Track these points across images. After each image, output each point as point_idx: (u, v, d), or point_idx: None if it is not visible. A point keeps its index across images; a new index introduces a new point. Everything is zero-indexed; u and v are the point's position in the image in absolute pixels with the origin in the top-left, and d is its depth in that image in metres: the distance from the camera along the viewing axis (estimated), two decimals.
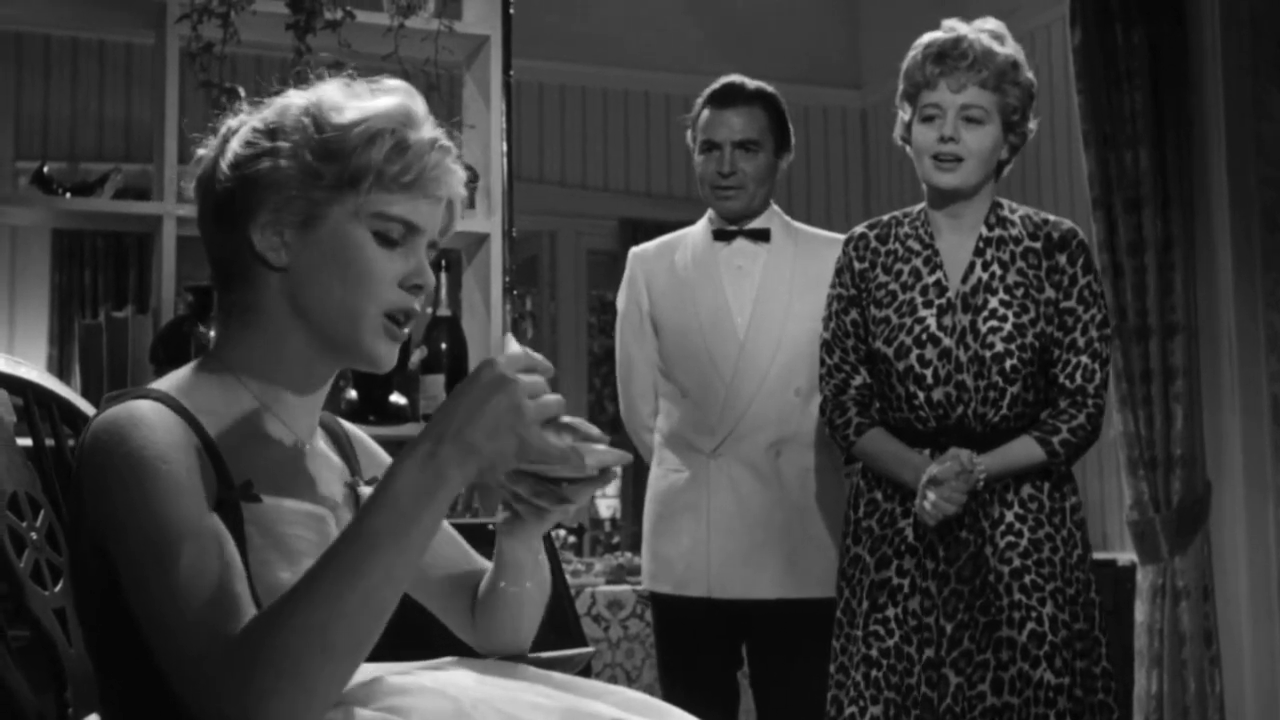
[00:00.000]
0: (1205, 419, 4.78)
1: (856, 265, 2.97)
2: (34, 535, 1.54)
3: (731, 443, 3.28)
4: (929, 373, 2.83)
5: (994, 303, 2.85)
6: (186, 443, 1.41)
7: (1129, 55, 4.78)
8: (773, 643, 3.30)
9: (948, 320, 2.85)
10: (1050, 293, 2.87)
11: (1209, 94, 4.87)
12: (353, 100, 1.52)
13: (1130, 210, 4.80)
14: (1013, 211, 2.95)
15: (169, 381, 1.52)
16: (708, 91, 3.37)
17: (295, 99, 1.54)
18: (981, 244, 2.90)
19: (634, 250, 3.52)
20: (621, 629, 4.34)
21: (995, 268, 2.88)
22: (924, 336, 2.85)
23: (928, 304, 2.88)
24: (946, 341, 2.84)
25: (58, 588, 1.51)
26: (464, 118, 3.76)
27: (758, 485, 3.27)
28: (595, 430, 1.43)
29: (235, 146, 1.53)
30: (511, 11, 3.75)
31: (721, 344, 3.30)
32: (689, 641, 3.35)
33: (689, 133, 3.40)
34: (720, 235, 3.36)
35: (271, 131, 1.52)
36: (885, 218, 3.04)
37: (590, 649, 2.66)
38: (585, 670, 2.29)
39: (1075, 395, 2.85)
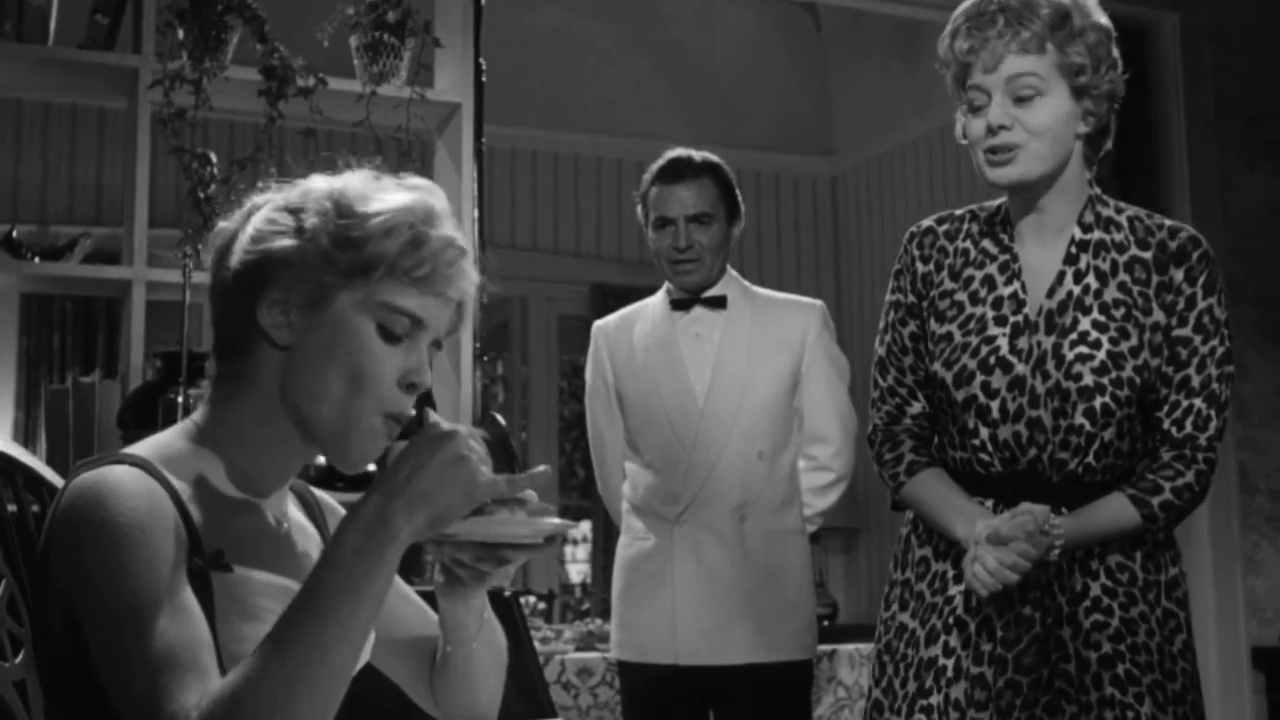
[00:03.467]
0: None
1: (920, 267, 2.40)
2: None
3: (695, 509, 3.28)
4: (995, 405, 2.26)
5: (1085, 324, 2.26)
6: (163, 510, 1.40)
7: None
8: (741, 708, 3.28)
9: (1024, 343, 2.27)
10: (1159, 316, 2.27)
11: (1175, 166, 4.93)
12: (377, 191, 1.53)
13: None
14: (1119, 211, 2.35)
15: (147, 446, 1.51)
16: (655, 168, 3.39)
17: (320, 183, 1.55)
18: (1074, 249, 2.31)
19: (596, 324, 3.54)
20: (591, 697, 4.30)
21: (1091, 279, 2.29)
22: (992, 361, 2.27)
23: (1000, 321, 2.30)
24: (1020, 368, 2.26)
25: (18, 659, 1.49)
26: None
27: (723, 551, 3.26)
28: (537, 499, 1.45)
29: (257, 222, 1.53)
30: (484, 79, 3.77)
31: (682, 412, 3.31)
32: (657, 709, 3.33)
33: (639, 209, 3.42)
34: (678, 304, 3.38)
35: (294, 211, 1.52)
36: (958, 211, 2.46)
37: (559, 719, 2.64)
38: None
39: (1184, 447, 2.26)
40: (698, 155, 3.38)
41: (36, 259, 3.53)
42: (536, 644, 3.80)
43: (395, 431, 1.54)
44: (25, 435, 5.79)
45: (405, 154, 3.44)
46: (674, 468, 3.30)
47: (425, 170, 3.83)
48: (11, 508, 1.65)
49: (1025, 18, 2.23)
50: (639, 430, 3.38)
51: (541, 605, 5.36)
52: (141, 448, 1.51)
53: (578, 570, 7.54)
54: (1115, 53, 2.33)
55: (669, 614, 3.26)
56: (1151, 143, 4.91)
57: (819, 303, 3.49)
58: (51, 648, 1.44)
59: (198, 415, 1.57)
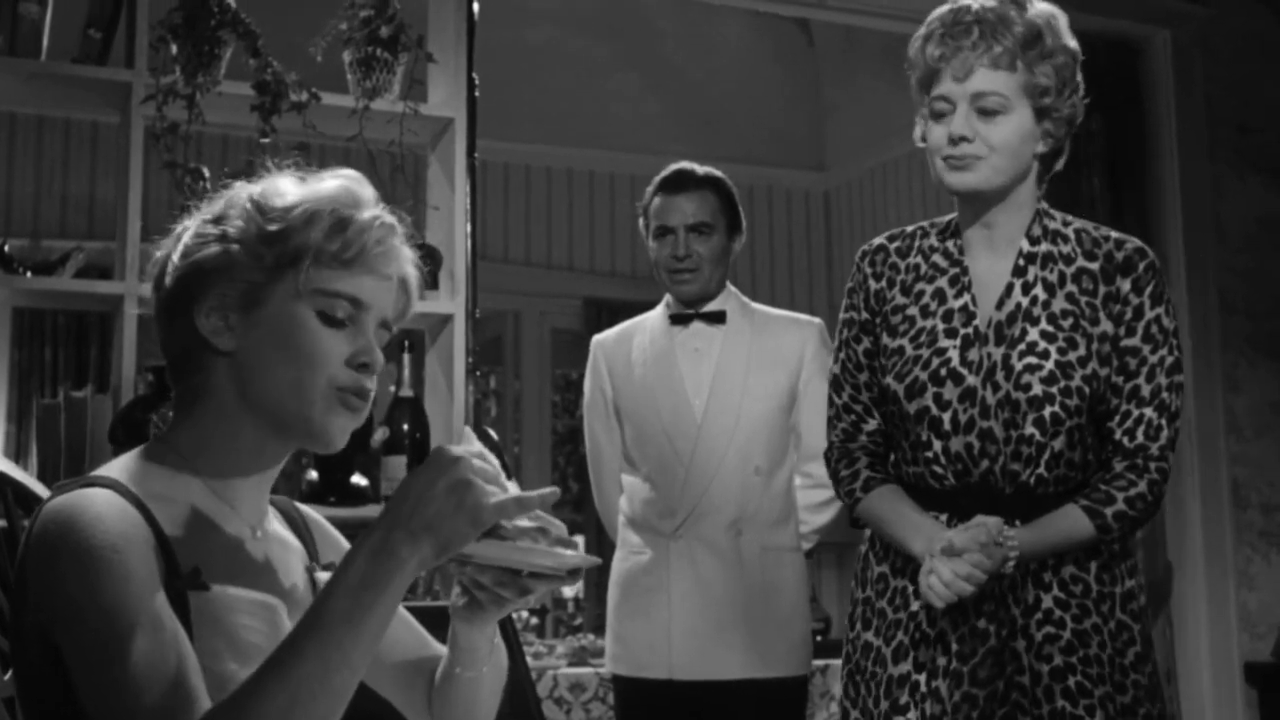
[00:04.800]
0: (1166, 501, 4.79)
1: (872, 284, 2.44)
2: None
3: (691, 523, 3.28)
4: (947, 417, 2.29)
5: (1034, 334, 2.29)
6: (137, 531, 1.40)
7: (1087, 141, 4.84)
8: None
9: (974, 354, 2.31)
10: (1106, 326, 2.30)
11: (1166, 178, 4.94)
12: (297, 186, 1.54)
13: None
14: (1066, 224, 2.39)
15: (117, 467, 1.51)
16: (658, 179, 3.42)
17: (241, 189, 1.56)
18: (1022, 261, 2.35)
19: (596, 338, 3.55)
20: (584, 712, 4.29)
21: (1039, 291, 2.32)
22: (943, 373, 2.31)
23: (951, 333, 2.33)
24: (971, 380, 2.29)
25: (7, 676, 1.48)
26: (428, 198, 3.77)
27: (718, 565, 3.26)
28: (564, 530, 1.45)
29: (185, 239, 1.54)
30: (477, 94, 3.78)
31: (680, 426, 3.31)
32: None
33: (641, 220, 3.44)
34: (677, 319, 3.39)
35: (218, 219, 1.53)
36: (909, 228, 2.50)
37: None
38: None
39: (1135, 457, 2.29)
40: (700, 168, 3.41)
41: (28, 273, 3.52)
42: (529, 659, 3.80)
43: (359, 405, 1.53)
44: (16, 450, 5.77)
45: (398, 168, 3.44)
46: (671, 482, 3.31)
47: (419, 185, 3.83)
48: (1, 523, 1.65)
49: (999, 32, 2.26)
50: (636, 444, 3.38)
51: (534, 620, 5.34)
52: (112, 469, 1.50)
53: (570, 586, 7.53)
54: (1079, 77, 2.36)
55: (664, 628, 3.26)
56: (1144, 156, 4.92)
57: (817, 320, 3.50)
58: (30, 669, 1.43)
59: (167, 434, 1.56)
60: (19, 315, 6.04)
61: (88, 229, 5.96)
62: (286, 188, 1.54)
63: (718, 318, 3.38)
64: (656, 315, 3.45)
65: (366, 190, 1.56)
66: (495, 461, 1.39)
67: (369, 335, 1.54)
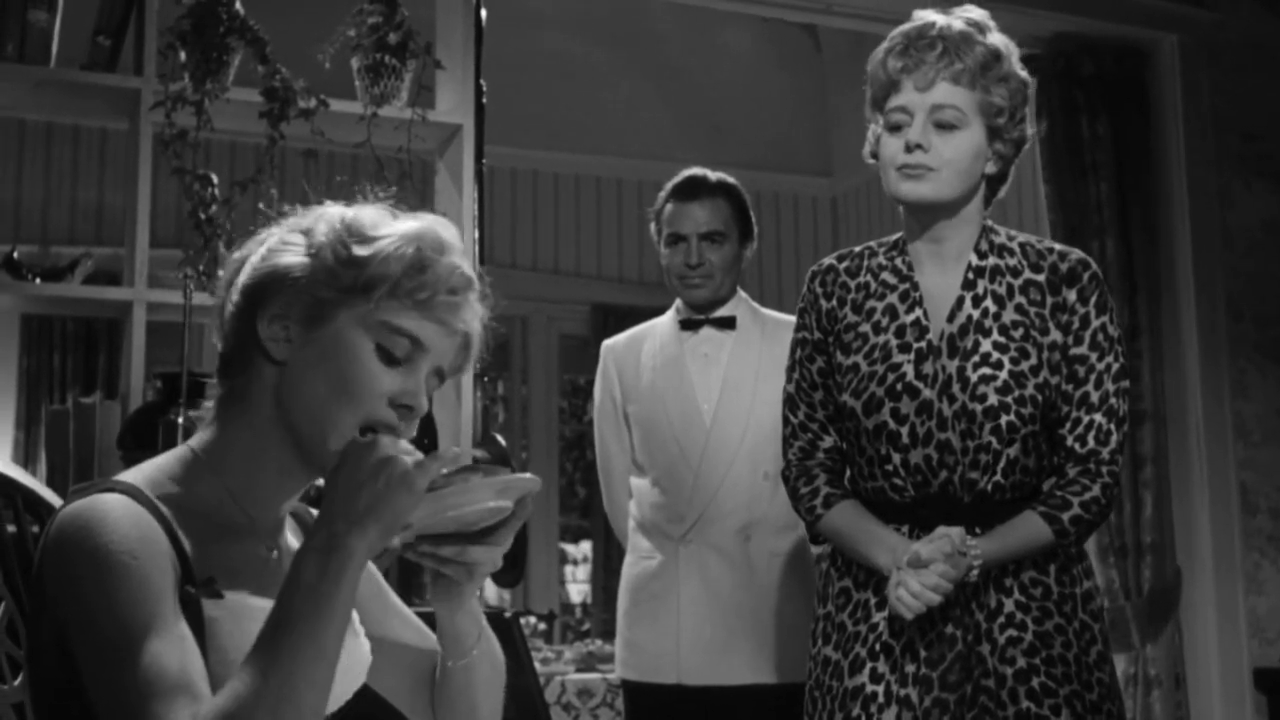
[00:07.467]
0: (1174, 506, 4.79)
1: (824, 304, 2.52)
2: None
3: (700, 528, 3.28)
4: (905, 430, 2.34)
5: (986, 346, 2.35)
6: (154, 537, 1.41)
7: (1094, 147, 4.85)
8: None
9: (928, 368, 2.36)
10: (1056, 335, 2.37)
11: (1174, 184, 4.93)
12: (389, 219, 1.56)
13: None
14: (1010, 239, 2.46)
15: (139, 473, 1.52)
16: (671, 185, 3.42)
17: (335, 208, 1.58)
18: (971, 275, 2.41)
19: (605, 343, 3.56)
20: (592, 717, 4.29)
21: (989, 303, 2.39)
22: (899, 387, 2.35)
23: (904, 348, 2.38)
24: (927, 393, 2.34)
25: (17, 682, 1.48)
26: (436, 205, 3.78)
27: (727, 570, 3.27)
28: (486, 455, 1.47)
29: (270, 242, 1.57)
30: (484, 101, 3.78)
31: (689, 431, 3.32)
32: None
33: (653, 226, 3.44)
34: (687, 325, 3.39)
35: (305, 232, 1.56)
36: (857, 248, 2.56)
37: None
38: None
39: (1087, 462, 2.35)
40: (713, 175, 3.42)
41: (37, 279, 3.53)
42: (537, 665, 3.80)
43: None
44: (25, 456, 5.78)
45: (406, 175, 3.45)
46: (680, 487, 3.31)
47: (426, 190, 3.83)
48: (11, 529, 1.66)
49: (963, 50, 2.35)
50: (646, 449, 3.39)
51: (542, 626, 5.35)
52: (134, 474, 1.51)
53: (578, 590, 7.53)
54: (1027, 110, 2.46)
55: (673, 633, 3.26)
56: (1150, 161, 4.92)
57: None
58: (44, 671, 1.45)
59: (194, 440, 1.57)
60: (28, 321, 6.05)
61: (96, 235, 5.97)
62: (379, 219, 1.56)
63: (728, 323, 3.38)
64: (666, 320, 3.46)
65: (451, 235, 1.57)
66: (402, 442, 1.43)
67: (419, 379, 1.54)
